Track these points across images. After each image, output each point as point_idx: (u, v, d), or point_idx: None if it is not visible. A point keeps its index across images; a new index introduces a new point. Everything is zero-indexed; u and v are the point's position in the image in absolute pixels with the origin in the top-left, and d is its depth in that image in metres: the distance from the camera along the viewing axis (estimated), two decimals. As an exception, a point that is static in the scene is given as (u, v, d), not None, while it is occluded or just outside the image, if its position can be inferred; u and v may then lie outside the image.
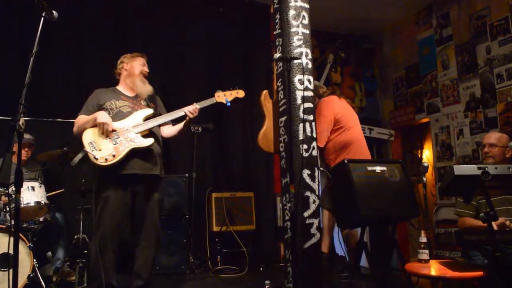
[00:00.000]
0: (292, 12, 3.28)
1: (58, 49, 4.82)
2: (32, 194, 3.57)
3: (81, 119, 3.17)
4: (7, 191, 3.53)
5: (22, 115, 2.14)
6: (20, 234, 3.33)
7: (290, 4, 3.29)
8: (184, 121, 3.27)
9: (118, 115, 3.16)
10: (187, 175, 4.59)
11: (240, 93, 3.41)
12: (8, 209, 3.56)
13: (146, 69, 3.41)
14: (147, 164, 3.11)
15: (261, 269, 4.55)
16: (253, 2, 5.73)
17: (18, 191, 2.20)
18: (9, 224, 3.37)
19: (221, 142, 5.47)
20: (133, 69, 3.36)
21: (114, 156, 2.97)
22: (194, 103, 3.25)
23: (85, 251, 3.79)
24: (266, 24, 5.77)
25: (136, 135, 3.08)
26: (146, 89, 3.33)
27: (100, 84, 3.41)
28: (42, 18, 2.50)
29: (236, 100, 4.47)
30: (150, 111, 3.23)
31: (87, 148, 3.00)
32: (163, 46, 5.36)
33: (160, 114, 3.31)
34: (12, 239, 2.88)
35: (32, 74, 2.27)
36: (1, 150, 4.22)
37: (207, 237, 4.79)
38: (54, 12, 2.56)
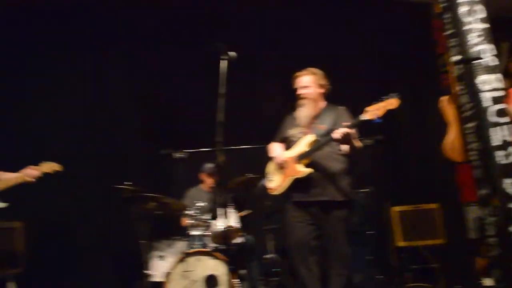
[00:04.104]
0: (464, 8, 3.05)
1: (236, 85, 5.20)
2: (226, 219, 3.89)
3: (269, 148, 3.44)
4: (204, 219, 3.93)
5: (220, 152, 2.36)
6: (220, 256, 3.67)
7: (461, 0, 3.05)
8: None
9: (291, 144, 3.28)
10: (366, 190, 4.51)
11: (394, 103, 2.87)
12: (206, 233, 3.94)
13: (301, 91, 3.26)
14: (315, 190, 3.11)
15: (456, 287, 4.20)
16: (408, 2, 5.41)
17: (214, 217, 2.40)
18: (211, 248, 3.70)
19: (395, 153, 5.25)
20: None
21: (279, 186, 3.22)
22: (343, 124, 2.98)
23: (277, 270, 3.99)
24: (425, 24, 5.39)
25: (298, 165, 3.11)
26: (304, 114, 3.24)
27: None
28: (223, 60, 2.73)
29: (404, 109, 4.21)
30: (312, 137, 3.14)
31: (267, 177, 3.36)
32: (320, 52, 5.36)
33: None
34: (216, 261, 3.21)
35: (223, 113, 2.50)
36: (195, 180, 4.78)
37: (393, 253, 4.62)
38: (232, 53, 2.77)
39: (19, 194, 3.25)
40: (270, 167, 3.40)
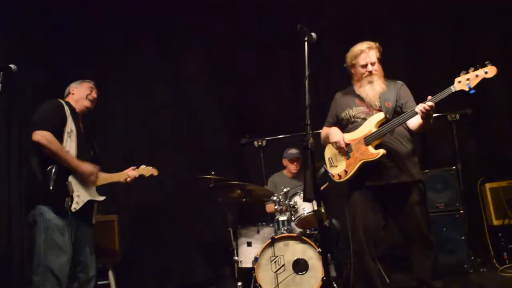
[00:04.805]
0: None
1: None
2: (310, 203, 3.87)
3: (323, 133, 3.23)
4: (290, 204, 3.94)
5: (310, 134, 2.33)
6: (309, 240, 3.66)
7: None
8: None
9: (352, 125, 3.05)
10: (454, 167, 4.30)
11: (490, 72, 2.65)
12: (292, 218, 3.95)
13: (370, 67, 3.01)
14: (391, 172, 2.91)
15: None
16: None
17: (319, 204, 2.39)
18: (300, 233, 3.70)
19: (485, 127, 4.91)
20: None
21: (346, 172, 2.97)
22: (429, 97, 2.73)
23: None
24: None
25: (367, 147, 2.89)
26: (373, 92, 2.99)
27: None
28: (306, 43, 2.69)
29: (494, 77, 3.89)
30: (381, 115, 2.93)
31: (327, 164, 3.17)
32: (396, 26, 5.22)
33: (401, 110, 2.97)
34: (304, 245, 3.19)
35: (310, 96, 2.46)
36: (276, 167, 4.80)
37: (487, 232, 4.39)
38: (313, 34, 2.71)
39: (112, 188, 3.40)
40: (329, 152, 3.16)
